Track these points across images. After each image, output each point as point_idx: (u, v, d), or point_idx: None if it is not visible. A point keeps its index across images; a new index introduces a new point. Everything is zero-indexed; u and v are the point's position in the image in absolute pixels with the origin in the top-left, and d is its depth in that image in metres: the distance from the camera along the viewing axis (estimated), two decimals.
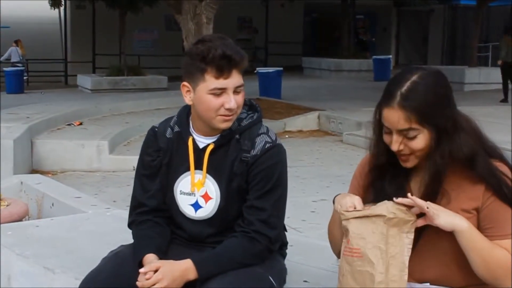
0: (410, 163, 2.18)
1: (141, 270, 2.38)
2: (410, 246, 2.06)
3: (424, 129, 2.11)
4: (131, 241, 2.65)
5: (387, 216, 2.03)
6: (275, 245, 2.59)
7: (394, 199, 2.05)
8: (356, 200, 2.16)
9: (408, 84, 2.12)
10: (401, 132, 2.12)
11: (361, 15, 28.54)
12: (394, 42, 28.66)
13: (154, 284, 2.34)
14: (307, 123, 12.75)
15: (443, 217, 2.06)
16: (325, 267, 3.00)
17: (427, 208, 2.05)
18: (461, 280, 2.17)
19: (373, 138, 2.27)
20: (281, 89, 15.77)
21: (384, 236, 2.03)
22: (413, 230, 2.07)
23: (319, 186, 7.70)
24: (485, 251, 2.08)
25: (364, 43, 25.89)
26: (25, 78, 20.59)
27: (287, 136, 11.45)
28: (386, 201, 2.08)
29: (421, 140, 2.12)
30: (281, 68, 16.27)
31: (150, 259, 2.47)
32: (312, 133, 12.29)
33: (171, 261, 2.43)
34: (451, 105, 2.15)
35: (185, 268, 2.40)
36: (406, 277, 2.03)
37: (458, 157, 2.13)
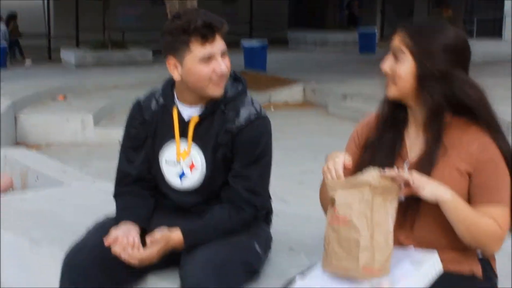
0: (389, 90, 2.20)
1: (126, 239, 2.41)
2: (394, 215, 2.08)
3: (410, 58, 2.14)
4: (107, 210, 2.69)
5: (373, 184, 2.05)
6: (261, 212, 2.62)
7: (381, 171, 2.06)
8: (339, 163, 2.16)
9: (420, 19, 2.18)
10: (393, 50, 2.17)
11: None
12: (379, 15, 28.56)
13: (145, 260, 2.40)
14: (292, 95, 12.73)
15: (427, 189, 2.07)
16: (311, 235, 3.02)
17: (412, 182, 2.06)
18: (447, 243, 2.19)
19: None
20: (266, 62, 15.70)
21: (369, 204, 2.04)
22: (396, 198, 2.09)
23: (305, 157, 7.72)
24: (470, 221, 2.09)
25: (354, 18, 25.71)
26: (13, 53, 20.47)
27: (272, 108, 11.43)
28: (371, 170, 2.09)
29: (404, 67, 2.15)
30: (266, 41, 16.20)
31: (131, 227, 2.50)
32: (298, 106, 12.28)
33: (165, 237, 2.43)
34: (457, 64, 2.15)
35: (176, 240, 2.43)
36: (391, 243, 2.05)
37: (459, 104, 2.14)
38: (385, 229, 2.05)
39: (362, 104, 10.22)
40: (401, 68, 2.16)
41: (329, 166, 2.16)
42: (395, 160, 2.23)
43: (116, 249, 2.41)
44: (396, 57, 2.17)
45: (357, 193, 2.06)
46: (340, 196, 2.09)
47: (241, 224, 2.53)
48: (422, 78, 2.14)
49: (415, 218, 2.20)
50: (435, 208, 2.11)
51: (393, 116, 2.27)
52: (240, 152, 2.52)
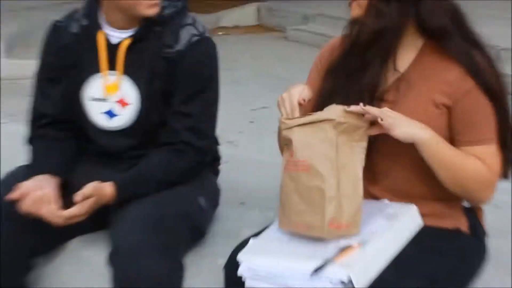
0: (352, 10, 2.20)
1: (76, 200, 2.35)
2: (363, 156, 2.06)
3: None
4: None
5: (337, 120, 2.02)
6: (205, 157, 2.60)
7: (345, 107, 2.04)
8: (295, 95, 2.14)
9: None
10: None
11: None
12: None
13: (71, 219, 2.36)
14: (244, 17, 12.66)
15: (402, 127, 2.07)
16: (266, 186, 3.02)
17: (381, 120, 2.05)
18: (427, 194, 2.20)
19: None
20: None
21: (333, 144, 2.01)
22: (365, 138, 2.07)
23: (259, 91, 7.68)
24: (454, 164, 2.10)
25: None
26: None
27: (220, 33, 11.35)
28: (334, 105, 2.06)
29: None
30: None
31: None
32: (251, 29, 12.21)
33: (97, 190, 2.38)
34: None
35: (108, 194, 2.39)
36: (361, 191, 2.03)
37: (426, 27, 2.14)
38: (353, 173, 2.03)
39: (326, 27, 10.20)
40: None
41: (283, 97, 2.15)
42: (362, 91, 2.20)
43: (25, 205, 2.34)
44: None
45: (318, 130, 2.03)
46: (298, 136, 2.06)
47: (184, 171, 2.51)
48: None
49: (387, 164, 2.20)
50: (410, 151, 2.10)
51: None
52: (180, 83, 2.50)
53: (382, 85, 2.20)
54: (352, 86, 2.20)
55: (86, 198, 2.35)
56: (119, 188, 2.41)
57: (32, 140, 2.65)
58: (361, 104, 2.05)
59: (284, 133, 2.11)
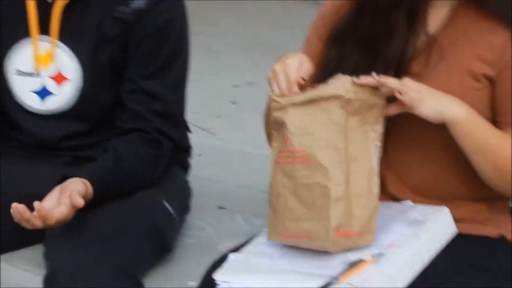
0: None
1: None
2: (379, 144, 2.07)
3: None
4: None
5: (346, 96, 2.02)
6: (176, 148, 2.63)
7: (354, 79, 2.05)
8: (293, 67, 2.13)
9: None
10: None
11: None
12: None
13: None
14: None
15: (429, 103, 2.08)
16: (251, 185, 3.06)
17: (401, 94, 2.05)
18: (462, 191, 2.22)
19: None
20: None
21: (341, 129, 2.02)
22: (382, 120, 2.08)
23: (242, 62, 7.72)
24: (496, 150, 2.12)
25: None
26: None
27: None
28: (340, 76, 2.06)
29: None
30: None
31: None
32: None
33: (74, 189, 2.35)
34: None
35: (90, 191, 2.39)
36: (377, 189, 2.05)
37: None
38: (366, 167, 2.05)
39: None
40: None
41: (276, 70, 2.14)
42: (378, 61, 2.21)
43: None
44: None
45: (321, 112, 2.04)
46: (294, 118, 2.07)
47: (159, 164, 2.55)
48: None
49: (410, 155, 2.22)
50: (440, 136, 2.13)
51: None
52: (139, 54, 2.52)
53: (408, 53, 2.21)
54: (370, 56, 2.21)
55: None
56: (94, 185, 2.39)
57: None
58: (374, 74, 2.06)
59: (276, 114, 2.11)
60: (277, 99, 2.11)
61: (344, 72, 2.12)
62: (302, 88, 2.12)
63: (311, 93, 2.07)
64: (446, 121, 2.08)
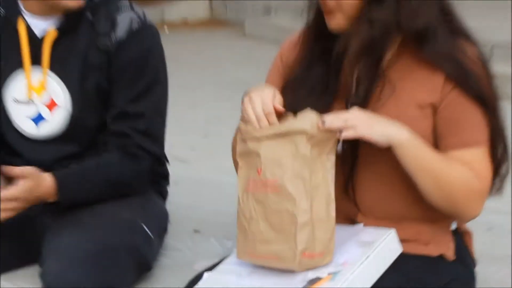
0: (334, 21, 2.22)
1: None
2: (334, 172, 2.10)
3: None
4: None
5: (310, 132, 2.05)
6: (160, 166, 2.67)
7: (319, 120, 2.07)
8: (269, 99, 2.14)
9: None
10: None
11: None
12: None
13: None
14: (194, 10, 12.64)
15: (376, 128, 2.11)
16: (223, 210, 3.06)
17: (349, 120, 2.08)
18: (408, 212, 2.26)
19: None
20: None
21: (307, 160, 2.05)
22: (335, 149, 2.11)
23: (213, 98, 7.69)
24: (438, 170, 2.15)
25: None
26: None
27: (166, 29, 11.33)
28: (309, 112, 2.09)
29: None
30: None
31: None
32: (202, 25, 12.21)
33: (35, 175, 2.41)
34: None
35: (48, 188, 2.42)
36: (333, 213, 2.09)
37: (409, 29, 2.18)
38: (326, 193, 2.08)
39: (290, 19, 10.20)
40: None
41: (253, 97, 2.14)
42: (332, 100, 2.26)
43: None
44: None
45: (290, 144, 2.06)
46: (267, 150, 2.09)
47: (137, 177, 2.55)
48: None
49: (362, 179, 2.25)
50: (387, 160, 2.16)
51: (325, 42, 2.29)
52: (122, 80, 2.53)
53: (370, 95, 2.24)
54: (324, 101, 2.25)
55: (23, 176, 2.37)
56: (60, 181, 2.43)
57: None
58: (320, 123, 2.07)
59: (250, 145, 2.12)
60: (252, 131, 2.11)
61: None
62: (278, 115, 2.13)
63: (282, 126, 2.09)
64: (392, 144, 2.11)
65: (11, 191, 2.37)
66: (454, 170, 2.15)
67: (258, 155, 2.10)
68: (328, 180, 2.09)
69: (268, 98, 2.13)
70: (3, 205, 2.37)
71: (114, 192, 2.50)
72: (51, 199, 2.44)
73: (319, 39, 2.30)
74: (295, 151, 2.05)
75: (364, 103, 2.19)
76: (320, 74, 2.28)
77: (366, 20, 2.17)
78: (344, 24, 2.21)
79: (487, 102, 2.19)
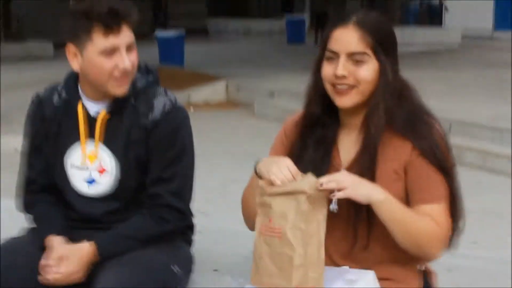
0: (348, 99, 2.22)
1: (42, 262, 2.40)
2: (325, 223, 2.13)
3: (373, 59, 2.19)
4: (13, 232, 2.65)
5: (309, 193, 2.09)
6: (187, 218, 2.65)
7: (318, 183, 2.09)
8: (287, 167, 2.16)
9: (360, 11, 2.24)
10: (351, 56, 2.18)
11: None
12: (308, 2, 28.83)
13: (67, 277, 2.40)
14: (214, 94, 12.70)
15: (360, 189, 2.13)
16: (237, 253, 3.06)
17: (340, 190, 2.10)
18: (379, 257, 2.26)
19: (310, 83, 2.32)
20: (184, 55, 15.63)
21: (304, 215, 2.08)
22: (326, 205, 2.13)
23: (229, 165, 7.73)
24: (407, 221, 2.16)
25: (290, 3, 25.52)
26: None
27: (192, 109, 11.39)
28: (309, 175, 2.13)
29: (369, 68, 2.19)
30: (184, 31, 16.13)
31: (53, 241, 2.49)
32: (220, 105, 12.27)
33: (73, 247, 2.45)
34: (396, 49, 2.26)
35: (89, 252, 2.44)
36: (323, 255, 2.11)
37: (396, 122, 2.21)
38: (317, 240, 2.10)
39: (291, 102, 10.22)
40: (366, 70, 2.20)
41: (280, 165, 2.15)
42: (328, 166, 2.28)
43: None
44: (353, 60, 2.19)
45: (294, 201, 2.10)
46: (278, 204, 2.12)
47: (164, 232, 2.54)
48: (385, 80, 2.20)
49: (344, 231, 2.26)
50: (366, 216, 2.19)
51: (324, 119, 2.31)
52: (158, 151, 2.53)
53: (350, 157, 2.28)
54: (322, 162, 2.28)
55: (62, 258, 2.40)
56: (100, 247, 2.45)
57: (27, 207, 2.67)
58: (320, 182, 2.10)
59: (266, 199, 2.15)
60: (268, 189, 2.14)
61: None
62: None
63: (290, 187, 2.11)
64: (371, 202, 2.13)
65: (62, 269, 2.40)
66: (420, 221, 2.16)
67: (270, 207, 2.14)
68: (320, 229, 2.11)
69: (292, 164, 2.16)
70: (65, 280, 2.41)
71: (145, 246, 2.50)
72: (95, 260, 2.46)
73: (314, 126, 2.32)
74: (296, 206, 2.09)
75: (370, 168, 2.21)
76: (313, 157, 2.30)
77: (385, 98, 2.20)
78: (356, 100, 2.22)
79: (446, 169, 2.21)
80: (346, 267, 2.25)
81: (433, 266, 2.40)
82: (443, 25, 23.82)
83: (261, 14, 23.85)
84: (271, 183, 2.14)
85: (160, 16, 23.61)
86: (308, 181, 2.11)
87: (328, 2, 20.63)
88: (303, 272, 2.08)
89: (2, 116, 10.36)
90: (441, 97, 7.70)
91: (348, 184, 2.11)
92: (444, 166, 2.21)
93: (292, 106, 9.52)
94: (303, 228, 2.08)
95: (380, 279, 2.17)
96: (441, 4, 24.29)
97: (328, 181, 2.10)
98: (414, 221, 2.16)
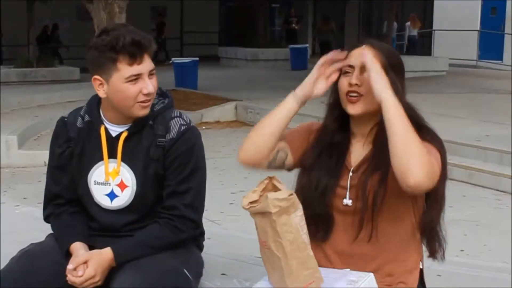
0: (359, 106, 2.24)
1: (69, 266, 2.41)
2: (304, 223, 2.10)
3: (384, 76, 2.17)
4: (41, 239, 2.63)
5: (273, 211, 2.05)
6: (199, 227, 2.64)
7: (276, 196, 2.05)
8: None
9: (373, 39, 2.30)
10: (365, 69, 2.20)
11: (277, 4, 28.68)
12: (311, 30, 28.92)
13: (86, 281, 2.39)
14: (224, 114, 12.74)
15: (379, 83, 2.12)
16: (244, 258, 3.04)
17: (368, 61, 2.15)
18: (377, 260, 2.24)
19: (328, 102, 2.36)
20: (197, 79, 15.68)
21: (278, 230, 2.06)
22: (298, 204, 2.09)
23: (237, 177, 7.69)
24: (408, 125, 2.08)
25: (294, 33, 25.64)
26: None
27: (204, 127, 11.41)
28: (268, 195, 2.06)
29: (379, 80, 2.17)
30: (197, 58, 16.19)
31: (77, 247, 2.50)
32: (230, 124, 12.30)
33: (96, 252, 2.46)
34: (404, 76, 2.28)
35: (110, 258, 2.45)
36: (311, 253, 2.09)
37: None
38: (299, 242, 2.08)
39: (293, 121, 10.29)
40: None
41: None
42: (342, 168, 2.29)
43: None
44: (368, 73, 2.18)
45: (266, 219, 2.08)
46: (258, 222, 2.12)
47: (174, 243, 2.53)
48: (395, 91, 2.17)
49: (342, 237, 2.26)
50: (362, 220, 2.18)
51: (338, 130, 2.33)
52: (174, 168, 2.53)
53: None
54: (332, 176, 2.28)
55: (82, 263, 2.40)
56: (117, 254, 2.45)
57: (51, 217, 2.67)
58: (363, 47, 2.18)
59: (252, 215, 2.15)
60: (247, 208, 2.11)
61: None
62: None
63: (257, 207, 2.08)
64: (382, 99, 2.11)
65: (86, 274, 2.40)
66: (419, 141, 2.07)
67: (255, 223, 2.14)
68: (299, 232, 2.08)
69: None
70: (87, 283, 2.41)
71: (159, 252, 2.49)
72: (113, 265, 2.45)
73: (330, 135, 2.34)
74: (270, 224, 2.07)
75: (383, 164, 2.17)
76: (328, 162, 2.32)
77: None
78: (366, 109, 2.24)
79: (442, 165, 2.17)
80: (347, 270, 2.22)
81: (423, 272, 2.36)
82: (432, 54, 23.95)
83: (268, 44, 23.89)
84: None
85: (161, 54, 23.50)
86: (268, 201, 2.04)
87: (332, 33, 21.92)
88: (296, 276, 2.07)
89: (33, 131, 10.36)
90: (430, 118, 7.68)
91: (377, 68, 2.13)
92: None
93: (293, 125, 9.55)
94: (281, 240, 2.07)
95: (378, 281, 2.15)
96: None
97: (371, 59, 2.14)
98: (415, 136, 2.07)
